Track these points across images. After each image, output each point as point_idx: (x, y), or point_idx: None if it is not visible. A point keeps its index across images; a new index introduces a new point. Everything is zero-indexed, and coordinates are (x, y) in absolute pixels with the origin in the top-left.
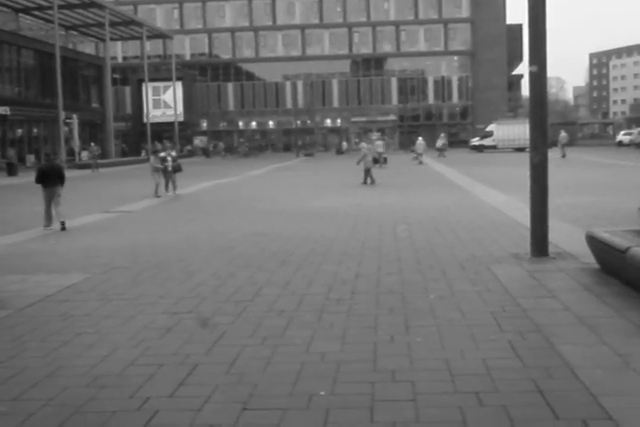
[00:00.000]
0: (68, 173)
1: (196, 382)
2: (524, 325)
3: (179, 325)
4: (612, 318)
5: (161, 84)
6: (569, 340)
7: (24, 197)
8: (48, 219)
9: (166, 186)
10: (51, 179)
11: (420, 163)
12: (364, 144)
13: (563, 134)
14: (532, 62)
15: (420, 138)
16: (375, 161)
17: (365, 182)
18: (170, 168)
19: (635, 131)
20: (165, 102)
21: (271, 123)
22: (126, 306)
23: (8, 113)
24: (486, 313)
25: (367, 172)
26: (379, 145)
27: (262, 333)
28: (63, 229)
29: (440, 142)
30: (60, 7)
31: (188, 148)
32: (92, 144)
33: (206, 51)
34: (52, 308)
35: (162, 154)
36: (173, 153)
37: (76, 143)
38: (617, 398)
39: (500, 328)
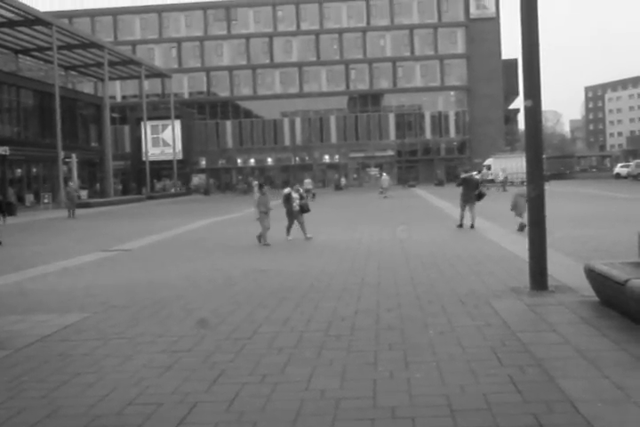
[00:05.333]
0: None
1: (195, 421)
2: (524, 359)
3: (178, 363)
4: (612, 351)
5: (160, 123)
6: (569, 374)
7: (23, 236)
8: None
9: (288, 229)
10: None
11: (385, 197)
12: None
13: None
14: (526, 97)
15: (385, 174)
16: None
17: None
18: (297, 207)
19: (632, 163)
20: (164, 141)
21: (270, 160)
22: (125, 345)
23: (7, 153)
24: (486, 348)
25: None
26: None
27: (262, 370)
28: None
29: (502, 176)
30: (60, 48)
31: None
32: (71, 184)
33: (204, 89)
34: (51, 347)
35: (286, 190)
36: (301, 189)
37: (75, 182)
38: None
39: (500, 363)
